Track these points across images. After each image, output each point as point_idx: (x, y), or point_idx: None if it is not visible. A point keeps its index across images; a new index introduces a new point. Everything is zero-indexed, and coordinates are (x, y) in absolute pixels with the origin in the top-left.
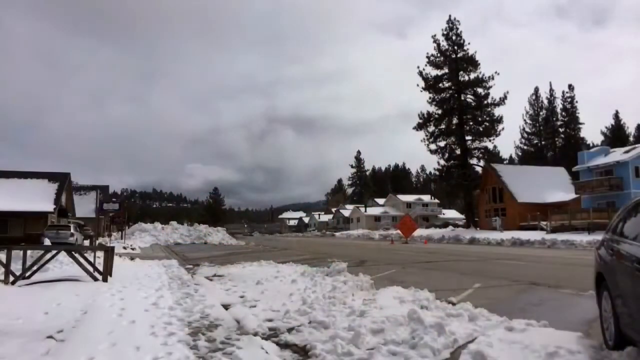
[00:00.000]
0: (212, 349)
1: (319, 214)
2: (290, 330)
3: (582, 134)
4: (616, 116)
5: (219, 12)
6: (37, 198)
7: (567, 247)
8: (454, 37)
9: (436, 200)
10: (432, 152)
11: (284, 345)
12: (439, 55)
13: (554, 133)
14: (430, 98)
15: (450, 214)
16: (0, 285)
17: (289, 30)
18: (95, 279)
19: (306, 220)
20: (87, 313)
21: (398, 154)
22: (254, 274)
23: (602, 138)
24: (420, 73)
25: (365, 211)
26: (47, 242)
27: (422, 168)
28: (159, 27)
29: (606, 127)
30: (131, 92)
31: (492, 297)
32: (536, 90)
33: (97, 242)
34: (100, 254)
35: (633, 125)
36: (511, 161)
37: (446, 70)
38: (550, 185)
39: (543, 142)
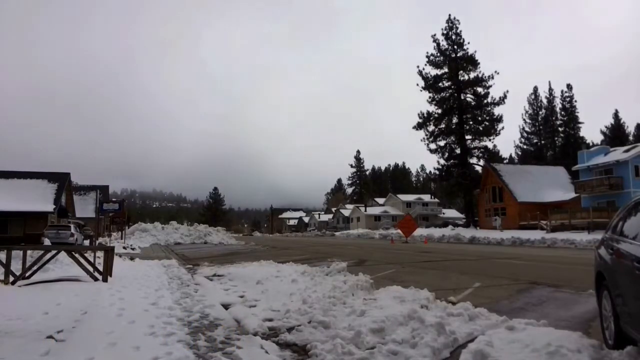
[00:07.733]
0: (212, 348)
1: (319, 214)
2: (290, 329)
3: (581, 133)
4: (616, 115)
5: None
6: (37, 198)
7: (567, 246)
8: (453, 37)
9: (436, 200)
10: (432, 151)
11: (284, 345)
12: (438, 54)
13: (553, 132)
14: (430, 97)
15: (450, 213)
16: (0, 285)
17: None
18: (95, 279)
19: (306, 220)
20: (87, 313)
21: (398, 154)
22: (254, 273)
23: (601, 137)
24: (420, 72)
25: (365, 211)
26: (47, 242)
27: (422, 168)
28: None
29: (606, 127)
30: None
31: (492, 296)
32: (535, 89)
33: (97, 242)
34: (100, 254)
35: (633, 124)
36: (511, 160)
37: (446, 70)
38: (550, 185)
39: (543, 142)
